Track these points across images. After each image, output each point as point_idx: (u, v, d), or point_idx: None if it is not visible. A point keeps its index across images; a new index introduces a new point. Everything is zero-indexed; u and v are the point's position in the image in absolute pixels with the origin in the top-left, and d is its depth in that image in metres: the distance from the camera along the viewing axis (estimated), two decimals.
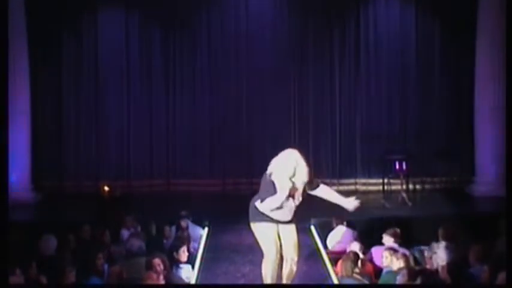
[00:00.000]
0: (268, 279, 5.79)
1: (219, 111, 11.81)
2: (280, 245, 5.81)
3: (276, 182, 5.67)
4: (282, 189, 5.62)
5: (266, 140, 11.35)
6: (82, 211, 9.69)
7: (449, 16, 11.74)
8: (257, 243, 5.90)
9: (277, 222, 5.79)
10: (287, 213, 5.79)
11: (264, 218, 5.76)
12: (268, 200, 5.67)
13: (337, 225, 8.16)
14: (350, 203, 5.98)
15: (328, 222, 8.60)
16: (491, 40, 10.77)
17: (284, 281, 5.91)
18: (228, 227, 8.70)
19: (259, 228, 5.80)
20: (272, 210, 5.72)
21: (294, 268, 5.90)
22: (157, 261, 6.21)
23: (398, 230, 7.46)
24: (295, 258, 5.86)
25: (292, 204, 5.76)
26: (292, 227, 5.88)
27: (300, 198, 5.81)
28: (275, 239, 5.77)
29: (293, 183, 5.69)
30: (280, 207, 5.69)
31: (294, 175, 5.70)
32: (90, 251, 6.66)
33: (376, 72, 11.89)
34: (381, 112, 11.93)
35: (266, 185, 5.74)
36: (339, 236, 8.00)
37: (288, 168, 5.67)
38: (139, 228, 8.03)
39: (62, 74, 11.71)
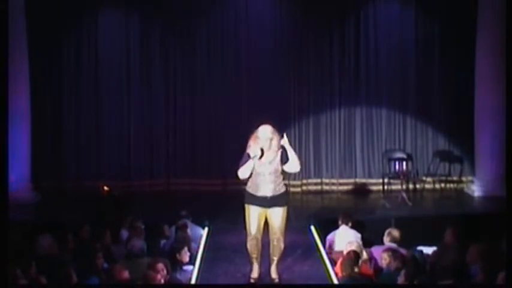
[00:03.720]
0: (252, 255, 6.81)
1: (219, 111, 11.81)
2: (264, 227, 6.76)
3: (250, 153, 6.54)
4: (252, 153, 6.50)
5: None
6: (82, 211, 9.68)
7: (449, 16, 11.73)
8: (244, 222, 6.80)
9: (267, 206, 6.65)
10: (267, 188, 6.61)
11: (253, 200, 6.66)
12: (241, 168, 6.54)
13: (341, 225, 8.13)
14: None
15: (328, 222, 8.61)
16: (491, 40, 10.76)
17: (272, 257, 6.84)
18: (228, 227, 8.70)
19: (246, 210, 6.75)
20: (252, 186, 6.64)
21: (281, 245, 6.78)
22: (160, 265, 6.21)
23: (398, 230, 7.47)
24: (278, 237, 6.74)
25: (267, 179, 6.60)
26: (279, 211, 6.70)
27: (277, 168, 6.62)
28: (257, 221, 6.68)
29: (262, 150, 6.53)
30: (255, 180, 6.60)
31: (269, 147, 6.58)
32: (90, 251, 6.66)
33: (376, 72, 11.88)
34: (381, 112, 11.93)
35: (244, 158, 6.61)
36: (341, 237, 7.98)
37: (262, 140, 6.56)
38: (139, 228, 8.01)
39: (62, 74, 11.71)
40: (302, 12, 11.86)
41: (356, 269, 6.39)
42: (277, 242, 6.79)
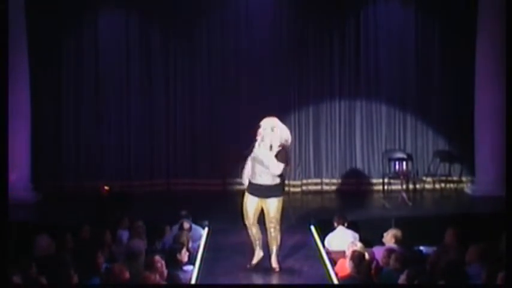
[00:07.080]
0: (254, 241, 7.27)
1: (219, 111, 11.81)
2: (260, 216, 7.21)
3: (258, 139, 7.14)
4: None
5: None
6: (82, 211, 9.69)
7: (449, 16, 11.73)
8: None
9: (264, 196, 7.09)
10: (265, 177, 7.07)
11: (251, 188, 7.15)
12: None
13: (338, 225, 8.13)
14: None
15: (328, 222, 8.61)
16: (491, 40, 10.76)
17: (271, 247, 7.21)
18: (228, 227, 8.71)
19: (244, 198, 7.26)
20: (251, 174, 7.13)
21: (277, 235, 7.19)
22: (157, 258, 6.22)
23: (398, 230, 7.46)
24: (274, 226, 7.14)
25: (266, 168, 7.02)
26: (274, 201, 7.12)
27: (280, 162, 7.04)
28: (252, 209, 7.17)
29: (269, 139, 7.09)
30: (254, 168, 7.09)
31: (271, 136, 7.09)
32: (90, 250, 6.66)
33: (376, 72, 11.89)
34: (381, 112, 11.93)
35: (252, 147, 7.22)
36: (339, 237, 7.97)
37: (265, 129, 7.09)
38: (139, 228, 8.01)
39: (62, 74, 11.70)
40: (302, 12, 11.86)
41: (358, 269, 6.37)
42: (274, 231, 7.16)
